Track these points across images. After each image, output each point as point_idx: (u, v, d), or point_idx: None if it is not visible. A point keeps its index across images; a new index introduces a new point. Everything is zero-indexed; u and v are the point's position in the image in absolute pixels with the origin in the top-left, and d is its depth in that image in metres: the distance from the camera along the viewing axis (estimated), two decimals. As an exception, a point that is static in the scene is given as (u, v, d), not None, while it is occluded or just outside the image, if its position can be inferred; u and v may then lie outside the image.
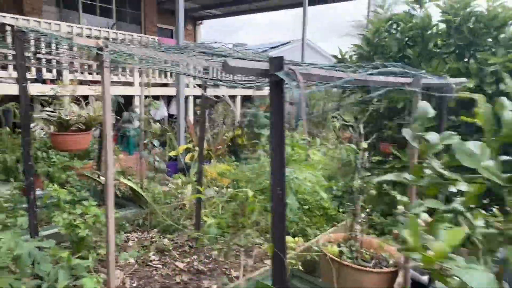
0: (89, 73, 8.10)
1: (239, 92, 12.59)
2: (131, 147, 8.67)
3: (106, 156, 1.88)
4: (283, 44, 20.45)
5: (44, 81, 7.51)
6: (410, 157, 2.09)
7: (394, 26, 4.65)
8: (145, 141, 4.08)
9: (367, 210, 3.02)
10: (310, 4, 14.26)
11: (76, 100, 5.78)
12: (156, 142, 4.12)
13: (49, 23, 7.74)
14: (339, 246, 3.19)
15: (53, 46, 4.49)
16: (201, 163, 3.45)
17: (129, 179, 3.93)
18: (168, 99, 11.34)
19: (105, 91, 1.70)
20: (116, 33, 8.85)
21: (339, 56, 5.47)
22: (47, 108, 3.44)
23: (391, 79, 1.54)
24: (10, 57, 5.18)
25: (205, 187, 4.84)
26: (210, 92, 11.97)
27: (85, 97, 5.99)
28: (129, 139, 8.33)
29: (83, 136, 3.31)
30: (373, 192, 2.96)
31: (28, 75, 7.51)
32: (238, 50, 2.55)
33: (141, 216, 3.83)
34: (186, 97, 10.76)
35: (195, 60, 1.62)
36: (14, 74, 7.01)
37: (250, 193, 2.94)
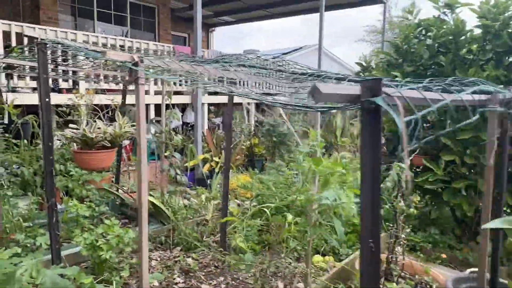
0: (105, 82, 8.03)
1: (251, 99, 12.45)
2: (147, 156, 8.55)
3: (140, 177, 1.72)
4: (296, 50, 20.28)
5: (60, 91, 7.46)
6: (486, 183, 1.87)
7: (423, 32, 4.45)
8: (165, 154, 3.93)
9: (407, 230, 2.80)
10: (324, 10, 14.13)
11: (94, 110, 5.68)
12: (177, 155, 3.97)
13: (66, 32, 7.69)
14: (376, 268, 2.98)
15: (71, 56, 4.39)
16: (227, 176, 3.27)
17: (151, 194, 3.77)
18: (182, 107, 11.25)
19: (140, 110, 1.54)
20: (132, 41, 8.78)
21: (364, 64, 5.27)
22: (72, 125, 3.30)
23: (468, 97, 1.35)
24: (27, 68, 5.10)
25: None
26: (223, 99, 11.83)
27: (102, 107, 5.90)
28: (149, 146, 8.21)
29: (108, 154, 3.16)
30: (414, 211, 2.75)
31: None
32: (273, 60, 2.38)
33: (163, 233, 3.67)
34: (201, 105, 10.66)
35: (253, 78, 1.45)
36: (31, 84, 6.97)
37: (290, 217, 2.74)
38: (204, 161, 6.50)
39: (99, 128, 3.12)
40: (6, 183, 2.69)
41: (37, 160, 4.56)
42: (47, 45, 2.03)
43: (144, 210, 1.81)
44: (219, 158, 6.30)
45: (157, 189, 4.25)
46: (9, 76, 5.97)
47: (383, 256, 3.03)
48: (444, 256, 3.73)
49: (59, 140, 5.27)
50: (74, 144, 3.24)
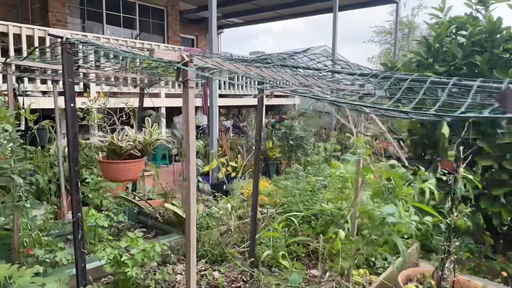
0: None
1: (264, 101, 12.25)
2: (158, 160, 8.44)
3: (188, 191, 1.53)
4: (304, 51, 20.01)
5: (71, 94, 7.30)
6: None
7: (454, 30, 4.22)
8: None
9: (457, 243, 2.58)
10: (331, 11, 13.92)
11: (107, 114, 5.51)
12: (199, 161, 3.78)
13: (77, 34, 7.56)
14: (420, 283, 2.76)
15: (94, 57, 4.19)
16: (257, 181, 3.05)
17: (173, 204, 3.57)
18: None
19: (189, 114, 1.35)
20: (143, 43, 8.63)
21: (389, 65, 5.05)
22: (98, 132, 3.10)
23: None
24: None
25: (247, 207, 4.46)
26: (233, 101, 11.63)
27: (116, 111, 5.72)
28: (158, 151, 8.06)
29: (137, 163, 2.94)
30: (468, 222, 2.52)
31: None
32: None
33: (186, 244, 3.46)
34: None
35: (307, 81, 1.25)
36: (42, 87, 6.82)
37: (342, 234, 2.52)
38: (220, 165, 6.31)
39: (127, 135, 2.92)
40: (24, 194, 2.50)
41: (51, 167, 4.38)
42: (73, 45, 1.84)
43: (193, 240, 1.60)
44: (235, 162, 6.10)
45: (178, 197, 4.05)
46: (19, 80, 5.82)
47: (429, 271, 2.81)
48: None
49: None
50: (99, 152, 3.03)
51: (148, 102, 8.22)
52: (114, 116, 5.19)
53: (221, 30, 18.00)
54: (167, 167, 8.38)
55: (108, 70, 2.74)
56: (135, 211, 4.16)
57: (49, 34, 1.79)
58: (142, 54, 1.39)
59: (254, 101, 11.97)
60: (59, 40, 1.89)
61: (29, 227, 2.69)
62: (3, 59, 4.51)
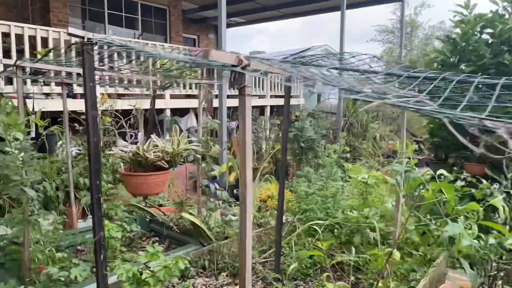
0: (111, 87, 7.65)
1: (268, 102, 12.07)
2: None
3: (244, 209, 1.33)
4: (304, 51, 19.83)
5: (74, 96, 7.10)
6: None
7: (479, 28, 4.04)
8: (202, 164, 3.54)
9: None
10: (336, 9, 13.73)
11: (114, 116, 5.31)
12: (216, 167, 3.59)
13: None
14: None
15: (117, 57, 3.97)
16: (283, 187, 2.85)
17: (190, 213, 3.38)
18: (195, 112, 10.88)
19: (246, 125, 1.16)
20: (147, 43, 8.44)
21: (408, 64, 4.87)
22: (122, 142, 2.88)
23: None
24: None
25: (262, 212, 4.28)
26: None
27: (122, 113, 5.53)
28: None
29: (164, 176, 2.71)
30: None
31: (58, 90, 7.13)
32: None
33: (204, 255, 3.28)
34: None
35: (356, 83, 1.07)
36: (45, 89, 6.62)
37: (397, 254, 2.31)
38: (229, 169, 6.11)
39: (155, 145, 2.70)
40: (36, 208, 2.31)
41: (58, 174, 4.19)
42: (94, 45, 1.65)
43: (248, 259, 1.42)
44: (246, 166, 5.91)
45: (194, 205, 3.86)
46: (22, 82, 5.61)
47: (466, 284, 2.63)
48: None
49: (79, 150, 4.90)
50: (121, 164, 2.83)
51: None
52: (122, 119, 5.00)
53: (223, 30, 17.76)
54: (172, 170, 8.20)
55: (124, 72, 2.55)
56: (147, 219, 3.97)
57: (69, 34, 1.60)
58: (179, 55, 1.20)
59: (259, 102, 11.79)
60: (73, 39, 1.70)
61: (42, 243, 2.50)
62: (5, 61, 4.30)
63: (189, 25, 15.35)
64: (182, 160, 2.86)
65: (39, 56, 3.13)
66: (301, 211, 3.76)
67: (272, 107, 12.30)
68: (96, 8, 11.00)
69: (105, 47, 1.68)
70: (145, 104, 6.19)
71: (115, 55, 2.56)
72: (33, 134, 3.07)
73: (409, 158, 2.11)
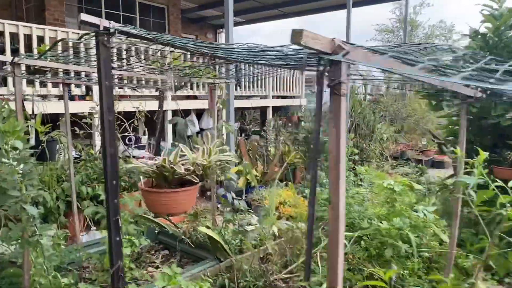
0: (120, 88, 7.33)
1: (270, 102, 11.77)
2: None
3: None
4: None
5: (72, 98, 6.77)
6: None
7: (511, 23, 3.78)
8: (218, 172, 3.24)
9: None
10: (338, 8, 13.49)
11: (117, 119, 4.99)
12: (234, 176, 3.30)
13: (78, 34, 7.04)
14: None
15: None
16: (314, 192, 2.55)
17: (207, 226, 3.08)
18: (197, 113, 10.57)
19: (341, 128, 0.87)
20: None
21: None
22: (143, 153, 2.53)
23: None
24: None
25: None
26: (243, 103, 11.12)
27: (124, 115, 5.21)
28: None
29: (192, 192, 2.32)
30: None
31: (56, 91, 6.78)
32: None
33: (222, 272, 2.98)
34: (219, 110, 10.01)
35: None
36: (42, 91, 6.29)
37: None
38: (237, 174, 5.81)
39: (183, 155, 2.34)
40: (38, 227, 2.00)
41: (57, 182, 3.87)
42: (111, 35, 1.36)
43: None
44: (256, 170, 5.61)
45: (205, 213, 3.56)
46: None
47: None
48: None
49: (79, 155, 4.58)
50: (141, 177, 2.50)
51: (154, 105, 7.73)
52: (125, 122, 4.69)
53: (221, 30, 17.52)
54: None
55: (138, 69, 2.25)
56: (156, 231, 3.67)
57: (82, 21, 1.30)
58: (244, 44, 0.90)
59: (261, 103, 11.49)
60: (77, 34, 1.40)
61: (45, 268, 2.18)
62: (1, 57, 3.97)
63: (188, 24, 15.06)
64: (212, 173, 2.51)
65: (38, 53, 2.82)
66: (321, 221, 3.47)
67: (274, 107, 12.02)
68: (93, 7, 10.68)
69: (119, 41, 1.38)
70: (148, 105, 5.89)
71: (124, 51, 2.26)
72: (32, 142, 2.74)
73: (473, 166, 1.83)
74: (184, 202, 2.22)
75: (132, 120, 4.78)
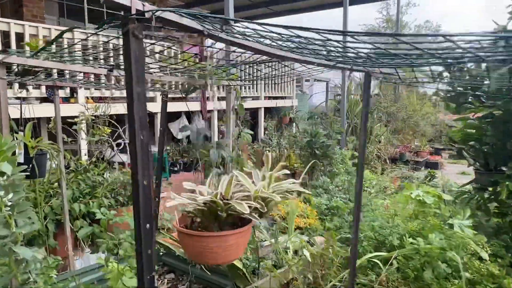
0: (106, 89, 6.81)
1: (262, 104, 11.39)
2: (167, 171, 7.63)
3: None
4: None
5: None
6: None
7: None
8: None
9: None
10: (328, 7, 13.25)
11: (108, 124, 4.53)
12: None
13: (60, 31, 6.51)
14: None
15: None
16: (359, 206, 2.19)
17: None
18: (187, 115, 10.10)
19: None
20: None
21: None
22: (186, 184, 2.01)
23: None
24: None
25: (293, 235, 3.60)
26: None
27: (114, 119, 4.75)
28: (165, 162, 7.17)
29: (246, 234, 1.73)
30: None
31: (37, 93, 6.22)
32: None
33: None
34: (211, 112, 9.56)
35: None
36: (34, 94, 5.76)
37: None
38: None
39: (239, 183, 1.84)
40: (33, 276, 1.57)
41: (45, 198, 3.39)
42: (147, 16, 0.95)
43: None
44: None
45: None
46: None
47: None
48: None
49: (66, 165, 4.10)
50: (175, 212, 2.03)
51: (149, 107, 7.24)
52: (119, 128, 4.23)
53: (209, 29, 17.02)
54: (167, 180, 7.45)
55: (154, 70, 1.83)
56: (161, 253, 3.24)
57: (105, 0, 0.89)
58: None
59: (252, 104, 11.10)
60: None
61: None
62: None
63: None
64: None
65: (27, 49, 2.37)
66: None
67: (266, 109, 11.65)
68: (75, 3, 10.04)
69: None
70: (148, 108, 5.43)
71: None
72: (21, 158, 2.28)
73: None
74: (237, 247, 1.70)
75: (125, 126, 4.32)
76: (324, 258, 2.45)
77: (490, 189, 3.98)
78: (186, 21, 1.06)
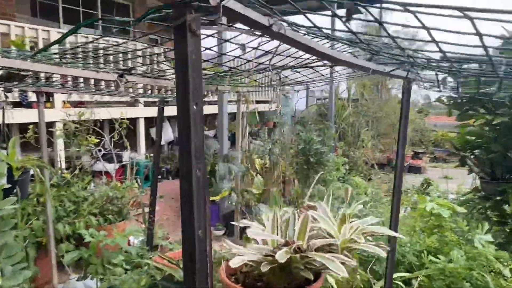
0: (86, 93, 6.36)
1: (243, 107, 11.09)
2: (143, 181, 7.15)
3: None
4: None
5: (30, 105, 5.76)
6: None
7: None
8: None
9: None
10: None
11: (92, 131, 4.15)
12: (263, 209, 2.61)
13: (35, 29, 6.04)
14: None
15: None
16: (397, 221, 1.95)
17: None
18: (169, 119, 9.71)
19: None
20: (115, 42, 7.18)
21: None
22: (252, 233, 1.55)
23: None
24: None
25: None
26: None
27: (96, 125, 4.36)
28: (139, 172, 6.70)
29: None
30: None
31: (10, 97, 5.73)
32: None
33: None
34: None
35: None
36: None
37: None
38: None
39: (315, 228, 1.40)
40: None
41: (22, 218, 2.99)
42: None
43: None
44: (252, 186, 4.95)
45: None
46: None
47: None
48: None
49: (55, 176, 3.70)
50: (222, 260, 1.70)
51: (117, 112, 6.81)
52: (105, 135, 3.88)
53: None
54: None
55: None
56: (158, 280, 2.91)
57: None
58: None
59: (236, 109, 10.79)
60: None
61: None
62: None
63: (153, 25, 14.06)
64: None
65: (13, 49, 2.02)
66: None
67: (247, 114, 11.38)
68: (48, 1, 9.46)
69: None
70: (130, 112, 5.10)
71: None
72: (4, 181, 1.90)
73: None
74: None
75: (112, 133, 3.96)
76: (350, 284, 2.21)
77: (499, 198, 3.88)
78: (254, 15, 0.78)
